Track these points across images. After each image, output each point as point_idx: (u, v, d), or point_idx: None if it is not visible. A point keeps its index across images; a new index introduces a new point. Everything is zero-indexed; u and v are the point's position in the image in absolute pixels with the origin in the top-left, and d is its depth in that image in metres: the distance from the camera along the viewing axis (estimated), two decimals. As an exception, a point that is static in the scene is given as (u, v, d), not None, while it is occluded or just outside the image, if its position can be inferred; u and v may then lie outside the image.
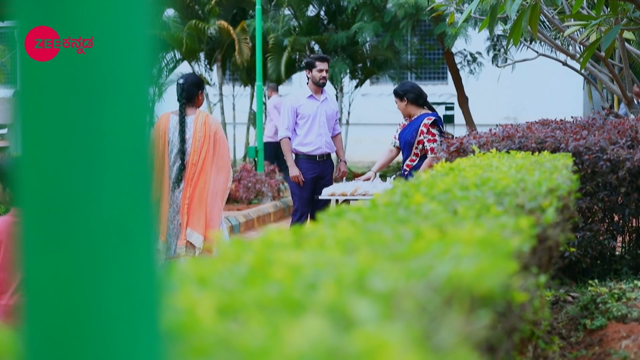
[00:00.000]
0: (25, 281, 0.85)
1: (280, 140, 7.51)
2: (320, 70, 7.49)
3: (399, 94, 6.90)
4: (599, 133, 5.37)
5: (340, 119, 16.43)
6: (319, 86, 7.53)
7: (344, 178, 7.74)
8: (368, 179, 7.07)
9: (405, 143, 6.82)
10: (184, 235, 6.02)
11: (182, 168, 6.11)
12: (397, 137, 7.02)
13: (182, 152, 6.13)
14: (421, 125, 6.71)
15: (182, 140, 6.14)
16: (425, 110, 6.85)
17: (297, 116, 7.49)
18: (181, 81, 6.37)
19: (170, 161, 6.13)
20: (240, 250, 1.65)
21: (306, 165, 7.47)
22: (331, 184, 7.32)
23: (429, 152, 6.64)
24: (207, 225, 6.08)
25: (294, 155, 7.52)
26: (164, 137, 6.17)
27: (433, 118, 6.73)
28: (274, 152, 13.49)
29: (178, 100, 6.31)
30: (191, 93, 6.27)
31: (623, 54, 7.96)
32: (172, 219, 6.11)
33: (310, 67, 7.58)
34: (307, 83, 7.67)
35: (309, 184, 7.43)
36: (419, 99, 6.86)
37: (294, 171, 7.40)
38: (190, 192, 6.07)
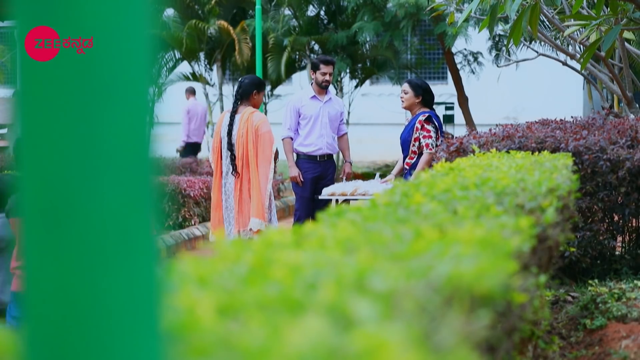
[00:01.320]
0: (25, 281, 0.85)
1: (282, 140, 7.52)
2: (324, 74, 7.51)
3: (416, 89, 6.83)
4: (599, 133, 5.37)
5: (341, 119, 16.40)
6: (321, 88, 7.55)
7: (345, 178, 7.74)
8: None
9: (404, 142, 6.82)
10: (240, 223, 6.71)
11: (231, 160, 6.77)
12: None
13: (229, 145, 6.74)
14: (416, 122, 6.70)
15: (229, 135, 6.74)
16: (424, 109, 6.83)
17: (299, 116, 7.51)
18: (241, 79, 6.93)
19: (223, 155, 6.83)
20: (240, 250, 1.65)
21: (307, 165, 7.48)
22: (332, 184, 7.33)
23: (425, 148, 6.63)
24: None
25: (295, 156, 7.53)
26: (218, 134, 6.86)
27: (427, 114, 6.71)
28: (192, 151, 14.33)
29: (234, 97, 6.91)
30: (246, 91, 6.77)
31: (623, 54, 7.96)
32: (231, 208, 6.82)
33: (314, 68, 7.60)
34: (311, 84, 7.68)
35: (309, 184, 7.43)
36: (430, 103, 6.86)
37: (293, 171, 7.42)
38: (240, 185, 6.71)
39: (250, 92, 6.78)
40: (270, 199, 6.76)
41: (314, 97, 7.53)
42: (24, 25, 0.84)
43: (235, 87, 6.95)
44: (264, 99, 14.91)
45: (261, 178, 6.66)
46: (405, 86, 6.88)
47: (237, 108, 6.80)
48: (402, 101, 6.88)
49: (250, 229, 6.66)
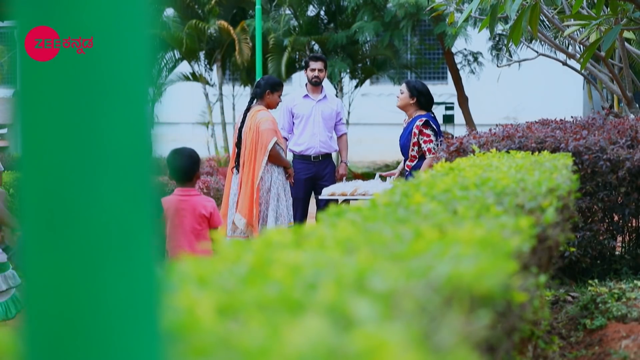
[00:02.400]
0: (25, 281, 0.85)
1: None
2: (313, 70, 7.56)
3: (411, 91, 6.80)
4: (599, 133, 5.37)
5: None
6: (313, 85, 7.57)
7: (344, 178, 7.71)
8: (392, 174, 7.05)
9: (403, 147, 6.79)
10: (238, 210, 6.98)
11: (236, 157, 7.00)
12: None
13: (238, 142, 6.99)
14: (413, 127, 6.66)
15: (239, 133, 6.98)
16: (420, 112, 6.78)
17: (292, 116, 7.52)
18: (259, 79, 7.18)
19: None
20: (240, 250, 1.65)
21: (300, 165, 7.45)
22: (331, 184, 7.30)
23: (427, 152, 6.60)
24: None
25: (292, 156, 7.53)
26: (236, 131, 7.14)
27: (424, 119, 6.67)
28: None
29: (250, 96, 7.17)
30: (259, 90, 6.99)
31: (623, 54, 7.96)
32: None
33: (305, 66, 7.68)
34: (306, 84, 7.70)
35: (302, 185, 7.39)
36: (427, 105, 6.82)
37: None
38: (240, 180, 6.91)
39: (263, 92, 6.95)
40: (266, 196, 6.85)
41: (306, 96, 7.55)
42: (24, 25, 0.84)
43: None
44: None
45: (255, 173, 6.84)
46: (403, 86, 6.87)
47: (250, 106, 7.01)
48: (398, 99, 6.87)
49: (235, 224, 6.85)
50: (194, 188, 4.83)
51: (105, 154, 0.84)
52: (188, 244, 4.71)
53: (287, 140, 7.50)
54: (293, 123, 7.53)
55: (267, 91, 6.94)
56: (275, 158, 6.88)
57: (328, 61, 15.74)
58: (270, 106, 7.01)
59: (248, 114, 7.00)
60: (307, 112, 7.49)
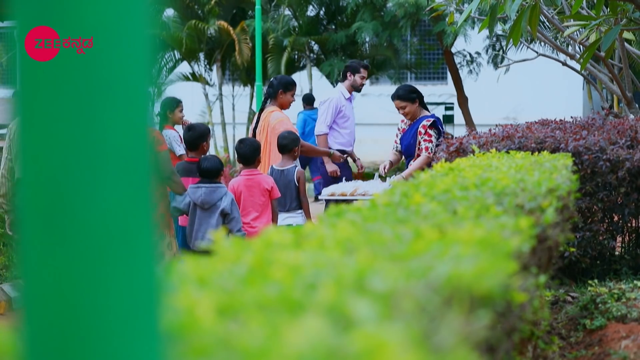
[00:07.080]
0: (25, 281, 0.85)
1: (318, 136, 7.60)
2: (362, 78, 7.82)
3: (409, 98, 6.81)
4: (599, 133, 5.37)
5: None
6: (357, 91, 7.76)
7: (344, 178, 7.76)
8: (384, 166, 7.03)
9: (407, 147, 6.81)
10: None
11: None
12: (397, 141, 7.01)
13: None
14: (419, 127, 6.69)
15: (254, 135, 6.89)
16: (425, 113, 6.85)
17: (338, 114, 7.62)
18: (272, 79, 7.11)
19: None
20: (240, 250, 1.65)
21: (341, 164, 7.56)
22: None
23: (424, 150, 6.62)
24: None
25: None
26: (251, 133, 7.08)
27: (432, 119, 6.72)
28: None
29: (264, 96, 7.12)
30: (272, 91, 6.93)
31: (623, 54, 7.96)
32: None
33: (354, 71, 7.78)
34: (343, 82, 7.82)
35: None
36: (423, 100, 6.87)
37: (331, 167, 7.47)
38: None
39: (276, 92, 6.89)
40: None
41: (349, 98, 7.76)
42: (24, 25, 0.84)
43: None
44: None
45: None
46: (397, 102, 6.81)
47: (264, 107, 6.96)
48: (406, 115, 6.83)
49: None
50: (256, 169, 5.94)
51: (105, 153, 0.84)
52: (257, 213, 5.84)
53: (326, 135, 7.57)
54: (335, 122, 7.65)
55: (280, 91, 6.87)
56: (310, 152, 6.96)
57: (328, 61, 15.80)
58: (284, 106, 6.94)
59: (261, 115, 6.93)
60: (351, 113, 7.77)
